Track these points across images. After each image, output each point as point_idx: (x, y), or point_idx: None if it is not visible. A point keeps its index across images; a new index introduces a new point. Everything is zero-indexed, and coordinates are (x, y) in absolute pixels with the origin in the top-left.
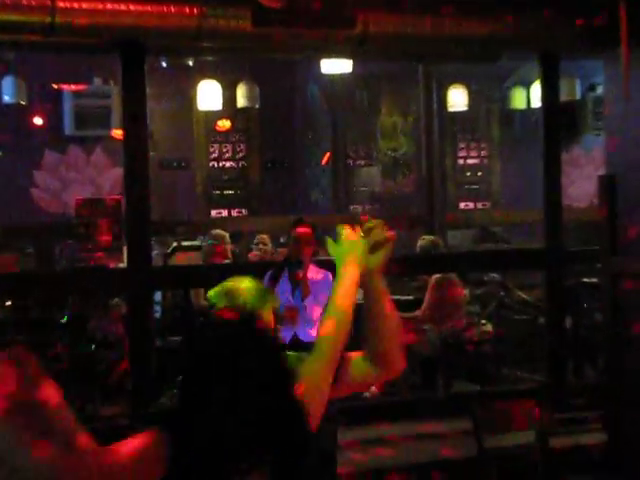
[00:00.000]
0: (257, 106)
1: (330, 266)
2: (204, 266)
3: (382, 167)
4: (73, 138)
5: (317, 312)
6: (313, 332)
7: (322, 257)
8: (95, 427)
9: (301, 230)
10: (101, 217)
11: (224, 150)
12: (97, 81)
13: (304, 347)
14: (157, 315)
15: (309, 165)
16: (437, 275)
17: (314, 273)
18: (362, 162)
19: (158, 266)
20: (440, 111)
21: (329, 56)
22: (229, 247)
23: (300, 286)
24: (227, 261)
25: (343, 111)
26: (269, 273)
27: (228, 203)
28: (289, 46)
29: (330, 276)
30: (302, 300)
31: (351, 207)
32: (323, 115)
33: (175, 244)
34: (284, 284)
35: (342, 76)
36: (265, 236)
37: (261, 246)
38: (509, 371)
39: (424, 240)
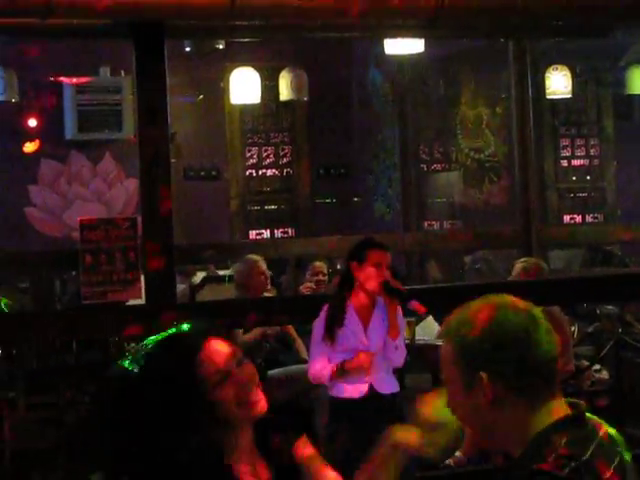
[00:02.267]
0: (305, 99)
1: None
2: (242, 301)
3: (464, 172)
4: (76, 143)
5: (403, 355)
6: (393, 380)
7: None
8: None
9: (378, 253)
10: (112, 242)
11: (264, 155)
12: (104, 72)
13: (383, 401)
14: None
15: (371, 172)
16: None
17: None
18: (438, 166)
19: (184, 303)
20: (537, 100)
21: (395, 34)
22: (265, 275)
23: (377, 323)
24: (267, 294)
25: (413, 103)
26: (325, 308)
27: (270, 221)
28: (344, 24)
29: (401, 311)
30: (393, 339)
31: (425, 223)
32: (388, 108)
33: (205, 274)
34: (352, 322)
35: (411, 59)
36: (321, 264)
37: (320, 277)
38: (633, 430)
39: (525, 263)
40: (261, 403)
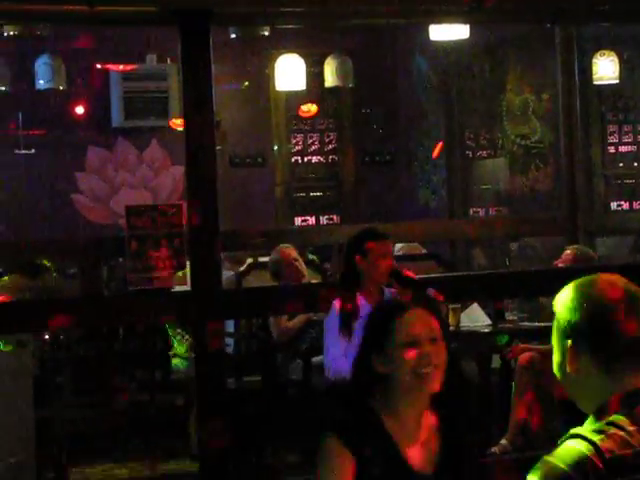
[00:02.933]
0: (350, 85)
1: (446, 284)
2: (287, 287)
3: (510, 159)
4: (122, 130)
5: None
6: None
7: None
8: None
9: (381, 244)
10: (158, 229)
11: (310, 141)
12: (150, 59)
13: None
14: (229, 350)
15: (416, 159)
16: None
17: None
18: (484, 153)
19: (230, 289)
20: (584, 86)
21: (440, 20)
22: (298, 263)
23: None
24: (313, 280)
25: (458, 89)
26: (336, 304)
27: (315, 208)
28: (390, 10)
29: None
30: None
31: (471, 210)
32: (433, 95)
33: (250, 261)
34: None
35: (456, 45)
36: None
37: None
38: None
39: (570, 250)
40: (435, 384)
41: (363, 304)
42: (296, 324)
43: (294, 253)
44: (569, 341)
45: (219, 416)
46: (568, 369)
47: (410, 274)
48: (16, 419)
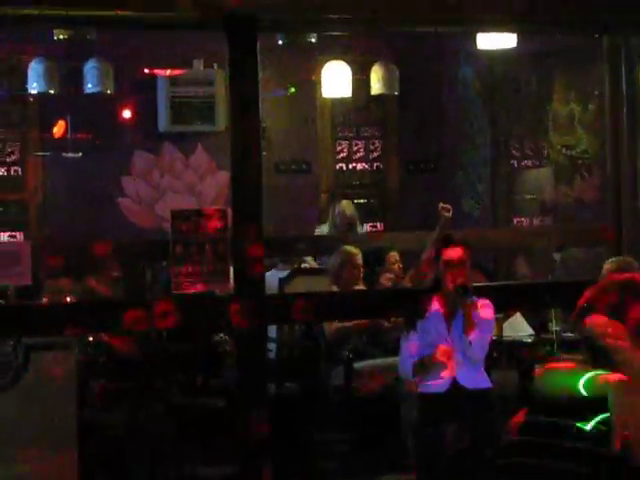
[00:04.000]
0: (396, 93)
1: (488, 293)
2: (332, 294)
3: (555, 169)
4: (169, 135)
5: (481, 351)
6: (479, 376)
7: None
8: None
9: (455, 251)
10: (203, 233)
11: (355, 148)
12: (197, 64)
13: (469, 396)
14: (272, 355)
15: (461, 167)
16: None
17: (478, 304)
18: (529, 162)
19: (273, 294)
20: (630, 96)
21: (489, 29)
22: (359, 269)
23: (460, 319)
24: (358, 287)
25: (504, 98)
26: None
27: (359, 215)
28: (438, 17)
29: (492, 307)
30: (467, 334)
31: (515, 220)
32: (479, 104)
33: (295, 266)
34: (436, 318)
35: (503, 54)
36: (395, 253)
37: (397, 266)
38: None
39: (613, 263)
40: None
41: (436, 306)
42: (353, 325)
43: (359, 259)
44: None
45: (261, 423)
46: None
47: (466, 283)
48: (60, 421)
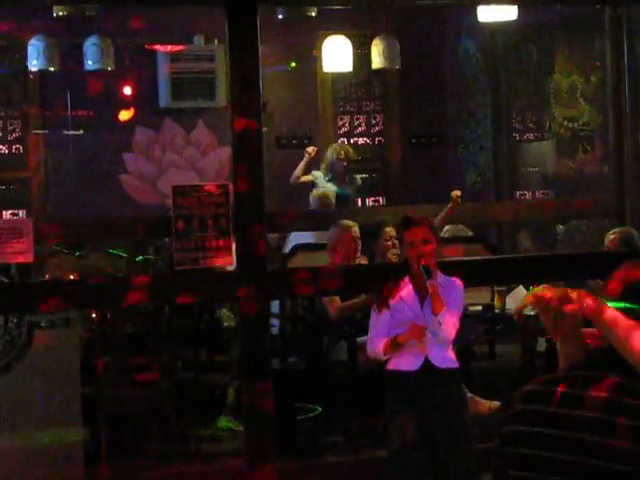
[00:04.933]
0: (397, 67)
1: (463, 268)
2: (333, 268)
3: (557, 142)
4: (169, 111)
5: (452, 330)
6: (449, 356)
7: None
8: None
9: (417, 231)
10: (205, 209)
11: (356, 123)
12: (198, 40)
13: (440, 375)
14: (274, 330)
15: (463, 141)
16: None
17: (444, 282)
18: (531, 136)
19: (275, 269)
20: (633, 69)
21: (488, 1)
22: (356, 242)
23: (429, 297)
24: (360, 261)
25: (506, 71)
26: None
27: (361, 189)
28: None
29: (460, 284)
30: (434, 313)
31: (517, 193)
32: (480, 77)
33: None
34: (408, 296)
35: (504, 26)
36: (390, 229)
37: (391, 242)
38: None
39: (615, 234)
40: None
41: (408, 285)
42: (356, 303)
43: (357, 231)
44: None
45: (265, 398)
46: None
47: (428, 261)
48: (63, 398)
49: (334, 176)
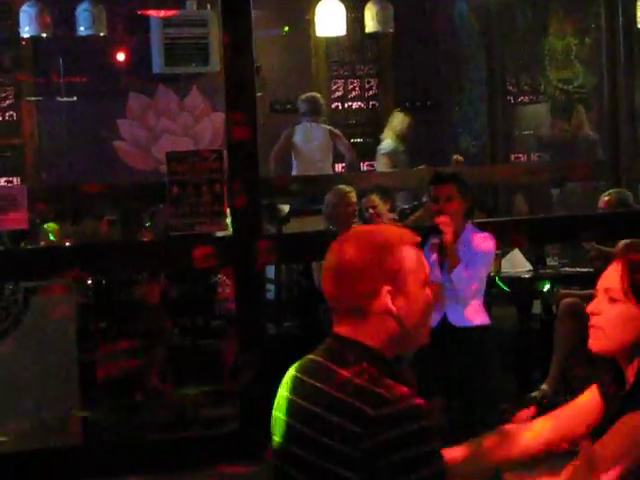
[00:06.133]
0: (391, 30)
1: (487, 230)
2: (328, 233)
3: (552, 104)
4: (163, 77)
5: (472, 287)
6: (471, 313)
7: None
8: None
9: (442, 188)
10: (199, 174)
11: (350, 87)
12: (191, 5)
13: (457, 333)
14: (270, 296)
15: (458, 104)
16: (625, 242)
17: (469, 237)
18: (526, 98)
19: (270, 234)
20: (628, 30)
21: None
22: (353, 207)
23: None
24: (355, 225)
25: (500, 33)
26: None
27: (356, 154)
28: None
29: (489, 241)
30: (448, 272)
31: (512, 156)
32: (474, 39)
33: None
34: (429, 254)
35: None
36: (375, 197)
37: (370, 211)
38: None
39: (610, 195)
40: None
41: (429, 244)
42: None
43: (354, 197)
44: None
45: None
46: None
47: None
48: (60, 364)
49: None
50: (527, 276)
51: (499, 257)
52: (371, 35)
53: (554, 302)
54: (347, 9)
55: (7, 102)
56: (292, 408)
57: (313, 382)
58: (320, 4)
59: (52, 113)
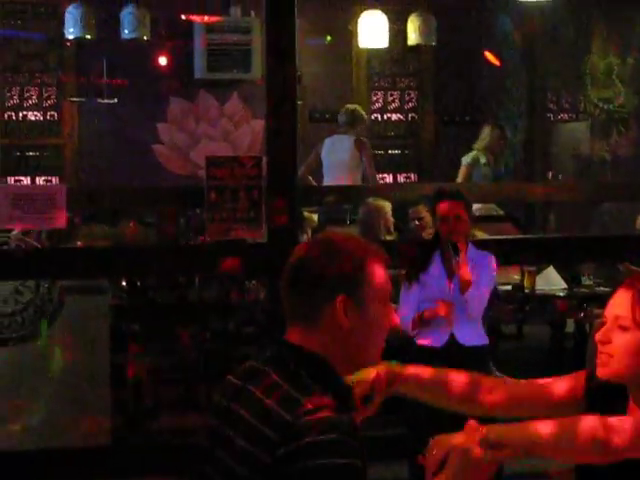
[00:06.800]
0: (433, 43)
1: (493, 247)
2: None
3: (592, 123)
4: (204, 82)
5: (479, 307)
6: (476, 333)
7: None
8: None
9: (449, 205)
10: (237, 180)
11: (390, 99)
12: (235, 11)
13: (465, 352)
14: None
15: (497, 119)
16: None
17: (473, 256)
18: (565, 116)
19: (305, 242)
20: None
21: None
22: (390, 220)
23: (456, 274)
24: (390, 238)
25: (542, 51)
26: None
27: (393, 166)
28: None
29: (493, 260)
30: (461, 293)
31: (549, 173)
32: (516, 55)
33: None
34: (435, 269)
35: (542, 4)
36: (421, 207)
37: (416, 222)
38: None
39: None
40: None
41: (437, 260)
42: None
43: (388, 211)
44: None
45: None
46: None
47: (457, 238)
48: (93, 365)
49: (490, 156)
50: (561, 294)
51: (534, 274)
52: (413, 48)
53: (588, 321)
54: (390, 21)
55: (49, 102)
56: (221, 411)
57: (245, 386)
58: (363, 15)
59: (93, 114)
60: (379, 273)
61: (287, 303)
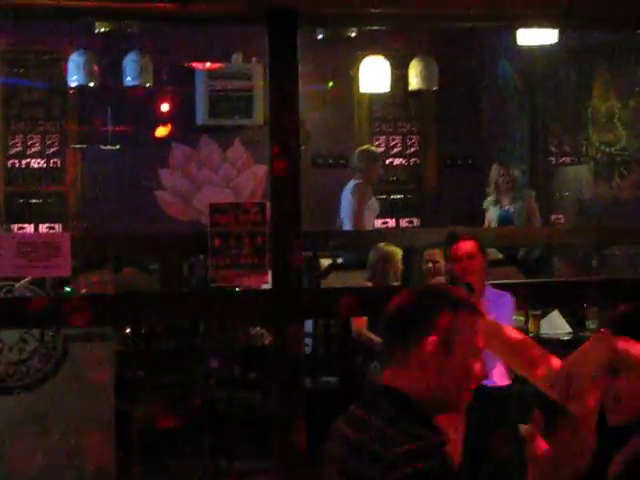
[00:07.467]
0: (434, 88)
1: (510, 288)
2: (371, 289)
3: (593, 166)
4: (207, 128)
5: None
6: (497, 373)
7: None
8: None
9: (463, 246)
10: (241, 227)
11: (392, 144)
12: (236, 58)
13: (488, 393)
14: (307, 350)
15: (499, 163)
16: None
17: (493, 297)
18: (567, 159)
19: (310, 288)
20: None
21: (531, 24)
22: (400, 267)
23: None
24: (396, 283)
25: (543, 94)
26: None
27: (396, 210)
28: (479, 13)
29: (511, 299)
30: None
31: (552, 217)
32: (518, 99)
33: (330, 261)
34: None
35: (543, 49)
36: (437, 251)
37: (430, 265)
38: None
39: None
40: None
41: None
42: (371, 340)
43: (399, 257)
44: None
45: (297, 417)
46: None
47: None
48: (97, 411)
49: (499, 196)
50: (566, 338)
51: (538, 318)
52: (414, 92)
53: None
54: (391, 66)
55: (52, 149)
56: (328, 456)
57: (345, 430)
58: (365, 60)
59: (95, 161)
60: (469, 323)
61: (384, 348)
